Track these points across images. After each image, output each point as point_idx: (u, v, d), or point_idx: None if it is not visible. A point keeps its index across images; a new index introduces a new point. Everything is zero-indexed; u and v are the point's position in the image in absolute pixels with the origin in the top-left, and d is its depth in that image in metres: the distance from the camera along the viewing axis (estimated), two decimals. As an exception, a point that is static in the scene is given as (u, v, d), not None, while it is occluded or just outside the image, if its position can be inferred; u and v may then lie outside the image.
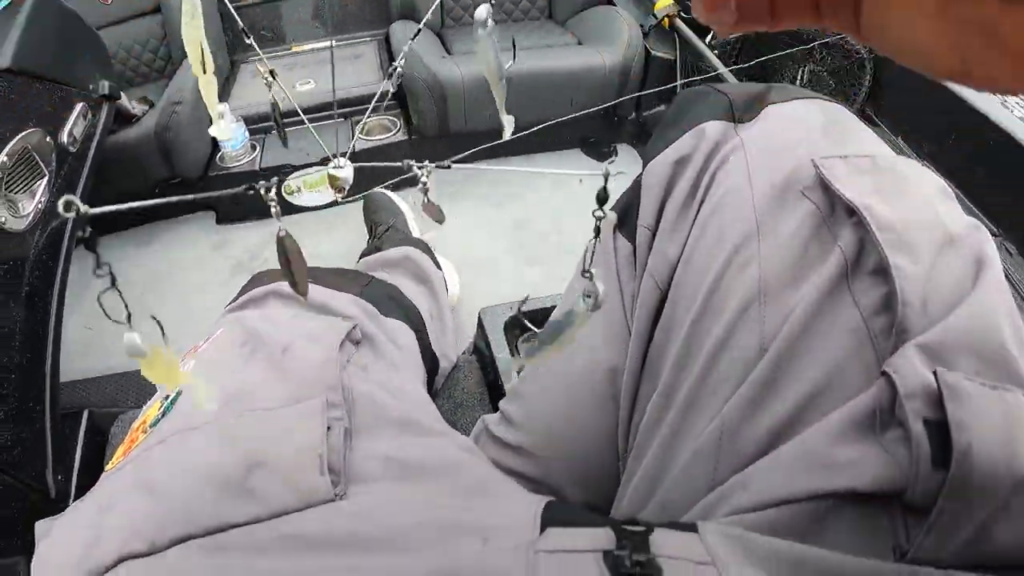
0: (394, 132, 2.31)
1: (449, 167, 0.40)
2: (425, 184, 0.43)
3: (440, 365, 1.08)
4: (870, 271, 0.50)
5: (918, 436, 0.41)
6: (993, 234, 1.35)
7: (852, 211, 0.52)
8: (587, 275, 0.37)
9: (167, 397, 0.65)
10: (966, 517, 0.40)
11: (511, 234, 2.10)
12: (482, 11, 0.39)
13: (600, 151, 2.44)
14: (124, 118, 1.96)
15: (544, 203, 2.23)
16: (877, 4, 0.26)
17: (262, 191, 0.40)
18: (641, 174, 0.70)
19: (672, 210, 0.64)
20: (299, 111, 0.54)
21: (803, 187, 0.56)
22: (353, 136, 2.22)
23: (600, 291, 0.37)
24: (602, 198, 0.36)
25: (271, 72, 0.44)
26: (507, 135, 0.46)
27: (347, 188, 0.41)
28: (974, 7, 0.22)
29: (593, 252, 0.40)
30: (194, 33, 0.41)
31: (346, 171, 0.40)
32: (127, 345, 0.33)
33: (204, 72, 0.42)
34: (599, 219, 0.37)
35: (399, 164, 0.42)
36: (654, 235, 0.66)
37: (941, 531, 0.41)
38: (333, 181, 0.40)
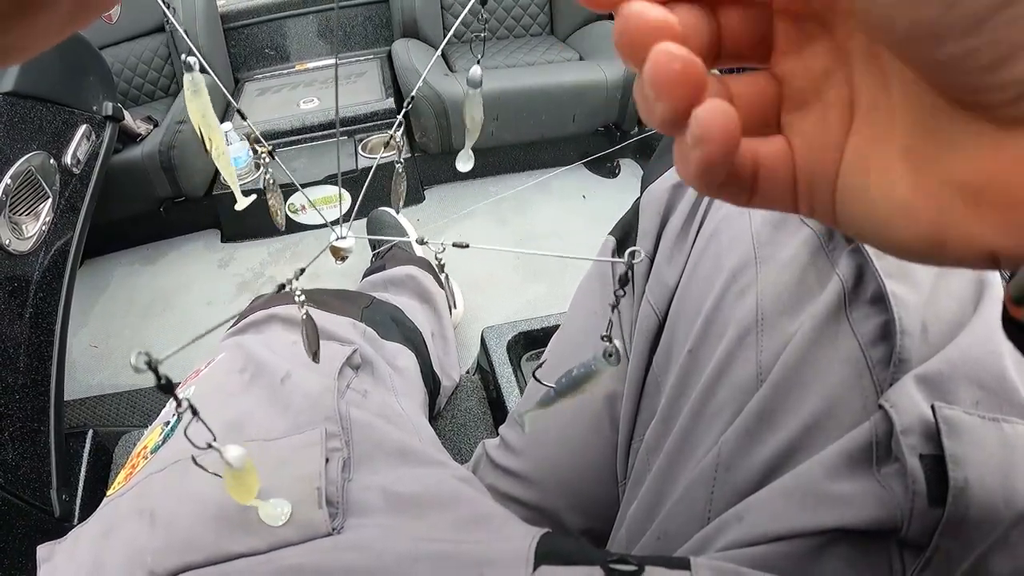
0: (401, 147, 2.31)
1: (467, 246, 0.40)
2: (440, 262, 0.44)
3: (443, 384, 1.08)
4: (868, 299, 0.49)
5: (914, 472, 0.41)
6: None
7: (850, 238, 0.52)
8: (606, 338, 0.38)
9: (167, 423, 0.65)
10: (963, 552, 0.40)
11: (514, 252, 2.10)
12: (476, 72, 0.43)
13: (603, 167, 2.45)
14: (129, 137, 1.97)
15: (548, 219, 2.23)
16: (854, 183, 0.25)
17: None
18: (639, 198, 0.70)
19: (670, 235, 0.64)
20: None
21: None
22: (357, 160, 2.23)
23: (620, 349, 0.38)
24: (624, 281, 0.37)
25: (270, 153, 0.45)
26: (465, 169, 0.50)
27: (348, 257, 0.42)
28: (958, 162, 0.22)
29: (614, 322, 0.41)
30: (198, 111, 0.41)
31: (348, 242, 0.41)
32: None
33: (213, 146, 0.42)
34: (619, 297, 0.37)
35: (408, 239, 0.43)
36: (652, 260, 0.66)
37: (937, 567, 0.40)
38: (336, 252, 0.41)
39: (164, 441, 0.63)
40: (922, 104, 0.23)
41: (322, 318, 0.82)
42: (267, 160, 0.47)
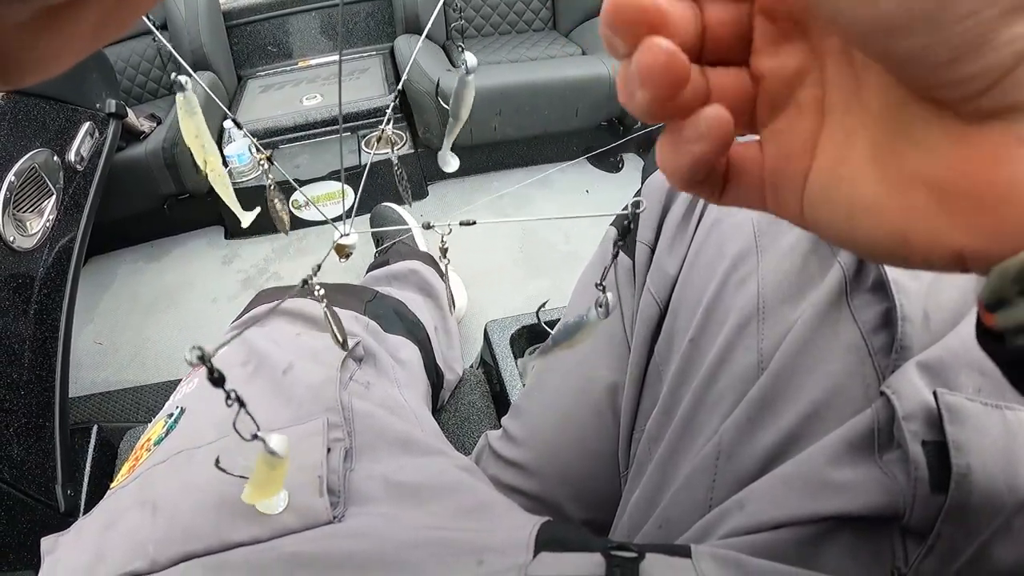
0: (400, 145, 2.32)
1: (474, 223, 0.41)
2: (444, 246, 0.45)
3: (446, 378, 1.08)
4: (869, 287, 0.49)
5: (916, 458, 0.41)
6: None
7: None
8: (600, 287, 0.39)
9: (170, 416, 0.66)
10: (965, 539, 0.40)
11: (518, 245, 2.10)
12: (472, 59, 0.42)
13: (607, 161, 2.44)
14: (132, 135, 1.98)
15: (551, 213, 2.23)
16: (822, 184, 0.26)
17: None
18: (640, 189, 0.70)
19: (671, 226, 0.64)
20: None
21: None
22: (360, 153, 2.23)
23: (611, 300, 0.38)
24: (624, 232, 0.37)
25: (268, 159, 0.45)
26: (451, 169, 0.52)
27: (352, 254, 0.42)
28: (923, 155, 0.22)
29: (611, 268, 0.41)
30: (193, 131, 0.41)
31: (352, 239, 0.41)
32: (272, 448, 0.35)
33: (208, 168, 0.42)
34: (619, 246, 0.38)
35: (411, 227, 0.42)
36: (653, 251, 0.66)
37: (940, 554, 0.40)
38: (341, 250, 0.41)
39: (167, 433, 0.63)
40: (892, 102, 0.23)
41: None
42: (267, 166, 0.47)
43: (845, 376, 0.47)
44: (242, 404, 0.32)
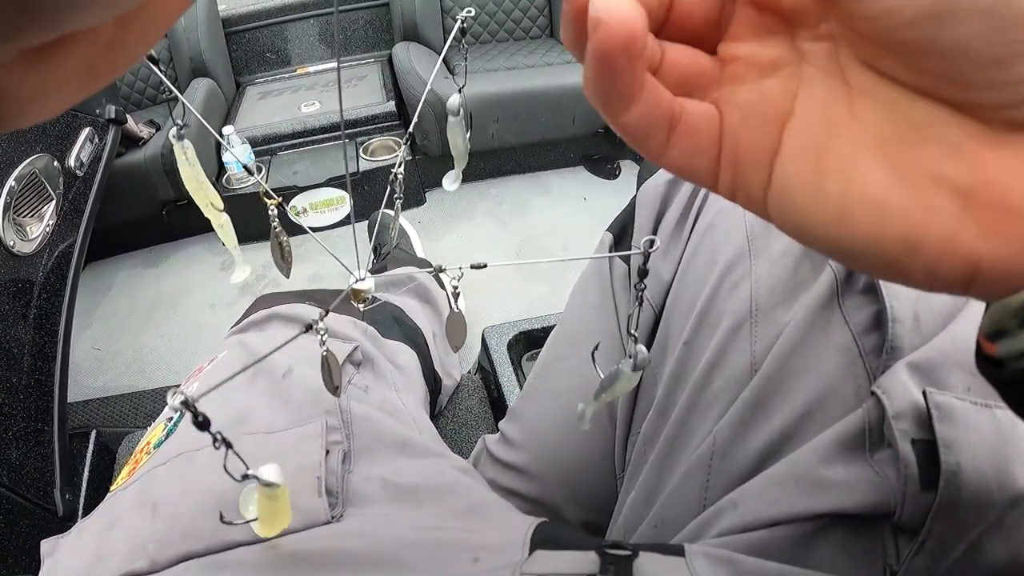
0: (406, 154, 2.32)
1: (485, 266, 0.41)
2: (456, 288, 0.45)
3: (444, 384, 1.08)
4: (861, 289, 0.49)
5: (906, 457, 0.41)
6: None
7: None
8: (633, 337, 0.39)
9: (170, 419, 0.66)
10: (956, 536, 0.40)
11: (516, 251, 2.11)
12: (455, 100, 0.43)
13: (603, 168, 2.45)
14: (131, 141, 1.99)
15: (549, 220, 2.24)
16: (798, 171, 0.24)
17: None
18: (636, 195, 0.71)
19: (665, 231, 0.65)
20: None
21: None
22: (358, 162, 2.24)
23: (645, 355, 0.39)
24: (643, 273, 0.38)
25: (279, 206, 0.46)
26: (451, 189, 0.51)
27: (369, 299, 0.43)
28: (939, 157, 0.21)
29: (638, 317, 0.42)
30: (193, 178, 0.42)
31: (367, 283, 0.41)
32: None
33: (210, 215, 0.43)
34: (641, 289, 0.39)
35: (423, 270, 0.43)
36: (647, 256, 0.66)
37: (931, 551, 0.41)
38: (356, 295, 0.41)
39: (167, 437, 0.64)
40: (893, 98, 0.22)
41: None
42: (275, 212, 0.47)
43: (837, 377, 0.47)
44: (229, 446, 0.32)
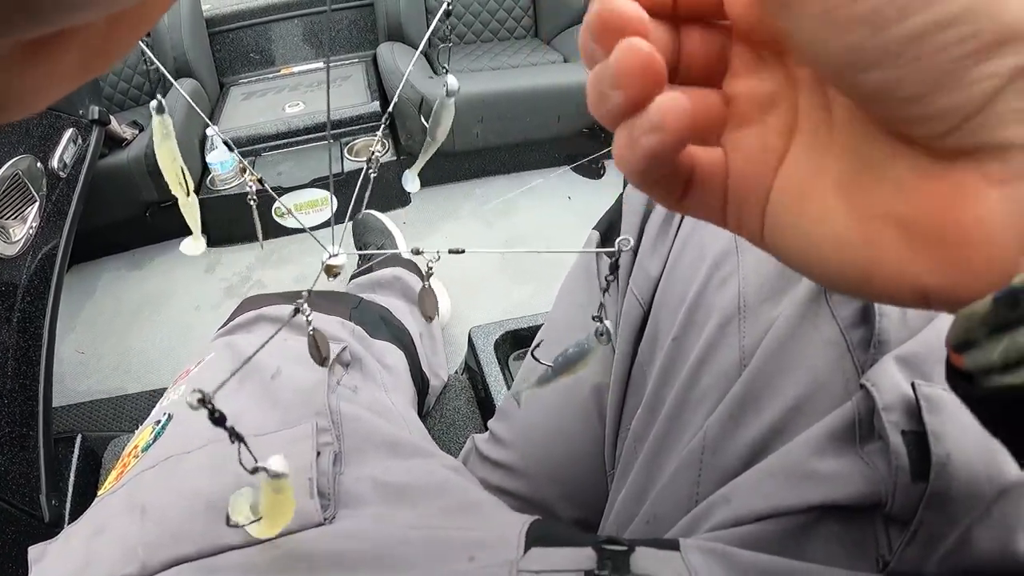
0: (383, 153, 2.32)
1: (463, 251, 0.41)
2: (430, 270, 0.45)
3: (431, 384, 1.08)
4: None
5: (896, 448, 0.42)
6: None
7: None
8: (597, 318, 0.40)
9: (158, 422, 0.66)
10: (947, 527, 0.41)
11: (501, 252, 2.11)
12: (454, 81, 0.44)
13: (588, 168, 2.46)
14: (114, 142, 1.97)
15: (534, 220, 2.24)
16: (785, 210, 0.26)
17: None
18: (623, 192, 0.71)
19: (653, 227, 0.65)
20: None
21: None
22: (343, 163, 2.23)
23: (611, 329, 0.40)
24: (614, 267, 0.38)
25: (258, 181, 0.46)
26: (412, 190, 0.54)
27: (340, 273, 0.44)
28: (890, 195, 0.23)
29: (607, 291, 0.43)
30: (168, 155, 0.42)
31: (341, 259, 0.42)
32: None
33: (187, 195, 0.43)
34: (609, 282, 0.39)
35: (400, 252, 0.44)
36: (635, 253, 0.67)
37: (922, 541, 0.41)
38: (330, 270, 0.42)
39: (155, 440, 0.63)
40: (860, 134, 0.23)
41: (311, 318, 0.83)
42: (253, 188, 0.47)
43: (825, 371, 0.48)
44: (242, 440, 0.33)
